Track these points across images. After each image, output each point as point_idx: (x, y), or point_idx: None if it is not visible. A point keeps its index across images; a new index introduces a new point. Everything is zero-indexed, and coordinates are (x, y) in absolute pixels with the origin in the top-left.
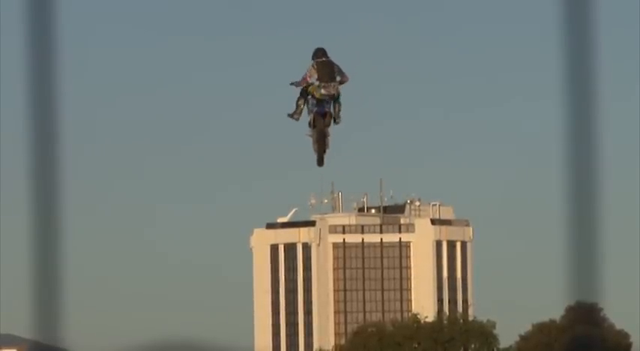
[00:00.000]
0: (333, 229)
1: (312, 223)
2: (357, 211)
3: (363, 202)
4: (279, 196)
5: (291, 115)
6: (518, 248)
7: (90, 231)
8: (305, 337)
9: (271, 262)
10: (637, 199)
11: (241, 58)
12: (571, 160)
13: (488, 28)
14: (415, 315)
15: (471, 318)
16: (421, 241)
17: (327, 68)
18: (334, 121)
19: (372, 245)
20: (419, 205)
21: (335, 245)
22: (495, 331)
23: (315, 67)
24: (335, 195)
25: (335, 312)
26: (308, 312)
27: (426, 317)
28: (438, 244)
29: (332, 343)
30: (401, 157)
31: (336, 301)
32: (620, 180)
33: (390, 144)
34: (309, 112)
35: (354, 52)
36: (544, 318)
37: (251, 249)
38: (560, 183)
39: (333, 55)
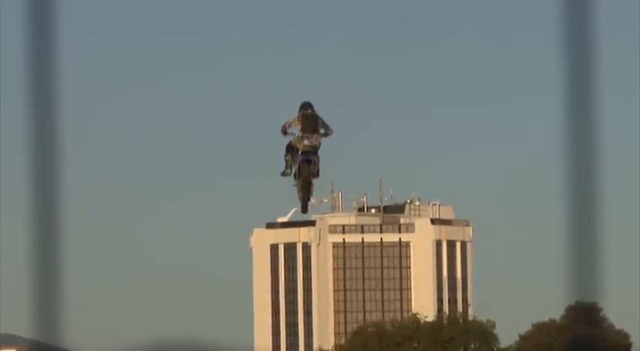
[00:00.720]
0: (333, 229)
1: (311, 223)
2: (356, 210)
3: (363, 201)
4: (278, 196)
5: (283, 173)
6: (518, 248)
7: (89, 231)
8: (305, 337)
9: (271, 262)
10: (637, 199)
11: (242, 57)
12: (571, 160)
13: (488, 28)
14: (415, 315)
15: (470, 318)
16: (421, 240)
17: (311, 121)
18: (316, 172)
19: (372, 245)
20: (419, 205)
21: (335, 245)
22: (495, 331)
23: (300, 119)
24: (335, 195)
25: (335, 312)
26: (308, 312)
27: (426, 317)
28: (438, 243)
29: (332, 342)
30: (401, 157)
31: (336, 301)
32: (620, 180)
33: (390, 144)
34: (294, 162)
35: (355, 51)
36: (544, 318)
37: (251, 249)
38: (560, 183)
39: (334, 55)
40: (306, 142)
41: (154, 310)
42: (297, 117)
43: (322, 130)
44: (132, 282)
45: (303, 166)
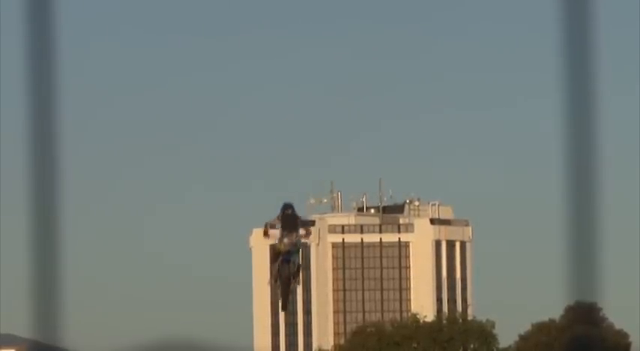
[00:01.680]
0: (333, 229)
1: (311, 223)
2: (356, 210)
3: (363, 201)
4: (278, 196)
5: (270, 282)
6: (517, 248)
7: (89, 231)
8: (304, 337)
9: (271, 262)
10: (637, 199)
11: (242, 57)
12: (571, 160)
13: (488, 28)
14: (414, 315)
15: (470, 318)
16: (420, 240)
17: (290, 220)
18: (297, 272)
19: (372, 245)
20: (418, 205)
21: (334, 245)
22: (495, 331)
23: (281, 218)
24: (334, 195)
25: (334, 312)
26: (307, 312)
27: (425, 317)
28: (438, 243)
29: (331, 342)
30: (400, 157)
31: (336, 301)
32: (620, 180)
33: (390, 144)
34: (277, 265)
35: (355, 52)
36: (543, 318)
37: (250, 249)
38: (560, 183)
39: (334, 56)
40: (286, 240)
41: (154, 310)
42: (278, 217)
43: (302, 231)
44: (132, 282)
45: (284, 266)
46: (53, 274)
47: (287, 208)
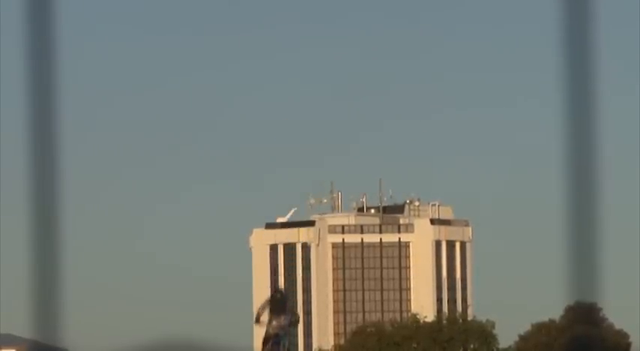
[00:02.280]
0: (333, 229)
1: (311, 223)
2: (356, 211)
3: (363, 202)
4: (278, 196)
5: None
6: (517, 248)
7: (89, 231)
8: (304, 337)
9: (270, 262)
10: (637, 199)
11: (241, 57)
12: (571, 160)
13: (488, 28)
14: (414, 315)
15: (470, 318)
16: (420, 241)
17: (279, 302)
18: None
19: (372, 245)
20: (418, 205)
21: (334, 245)
22: (495, 331)
23: (270, 301)
24: (334, 195)
25: (334, 312)
26: (307, 312)
27: (426, 317)
28: (438, 244)
29: (331, 343)
30: (400, 157)
31: (336, 301)
32: (620, 180)
33: (390, 144)
34: (268, 347)
35: (355, 52)
36: (543, 318)
37: (250, 249)
38: (559, 183)
39: (333, 56)
40: (274, 323)
41: (153, 310)
42: (267, 300)
43: (294, 318)
44: (132, 282)
45: (274, 348)
46: (53, 274)
47: (276, 291)
